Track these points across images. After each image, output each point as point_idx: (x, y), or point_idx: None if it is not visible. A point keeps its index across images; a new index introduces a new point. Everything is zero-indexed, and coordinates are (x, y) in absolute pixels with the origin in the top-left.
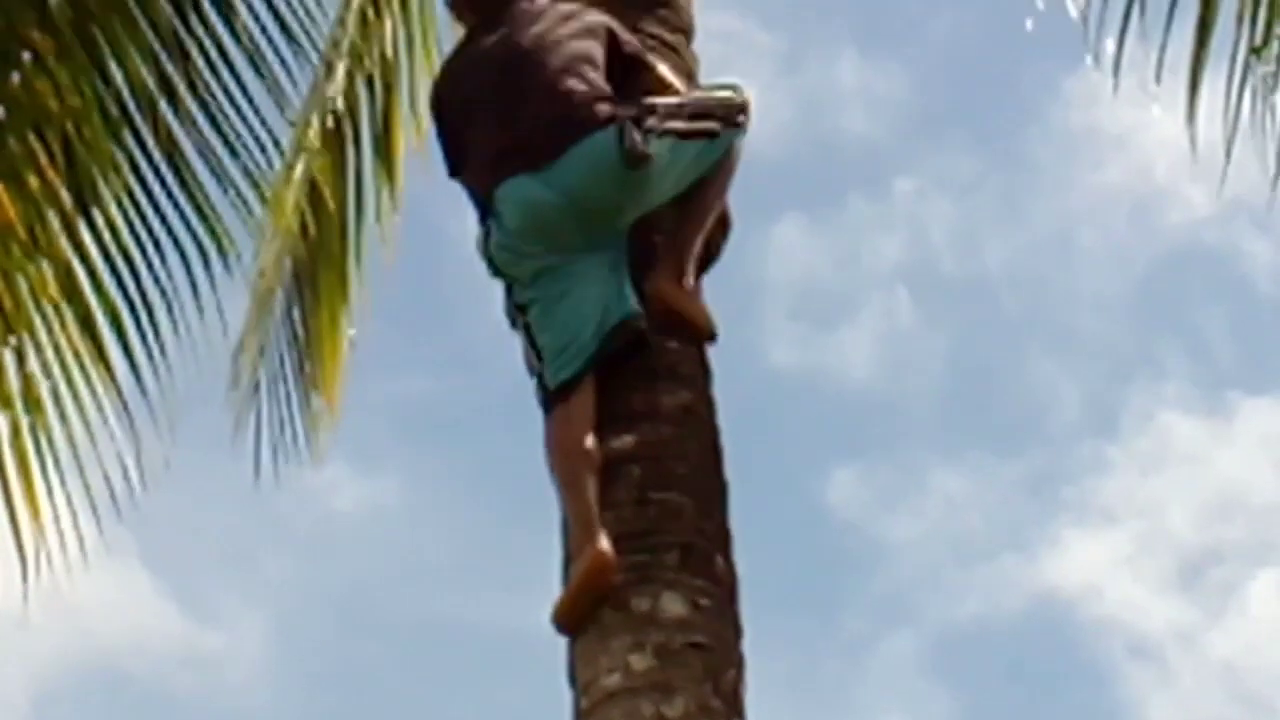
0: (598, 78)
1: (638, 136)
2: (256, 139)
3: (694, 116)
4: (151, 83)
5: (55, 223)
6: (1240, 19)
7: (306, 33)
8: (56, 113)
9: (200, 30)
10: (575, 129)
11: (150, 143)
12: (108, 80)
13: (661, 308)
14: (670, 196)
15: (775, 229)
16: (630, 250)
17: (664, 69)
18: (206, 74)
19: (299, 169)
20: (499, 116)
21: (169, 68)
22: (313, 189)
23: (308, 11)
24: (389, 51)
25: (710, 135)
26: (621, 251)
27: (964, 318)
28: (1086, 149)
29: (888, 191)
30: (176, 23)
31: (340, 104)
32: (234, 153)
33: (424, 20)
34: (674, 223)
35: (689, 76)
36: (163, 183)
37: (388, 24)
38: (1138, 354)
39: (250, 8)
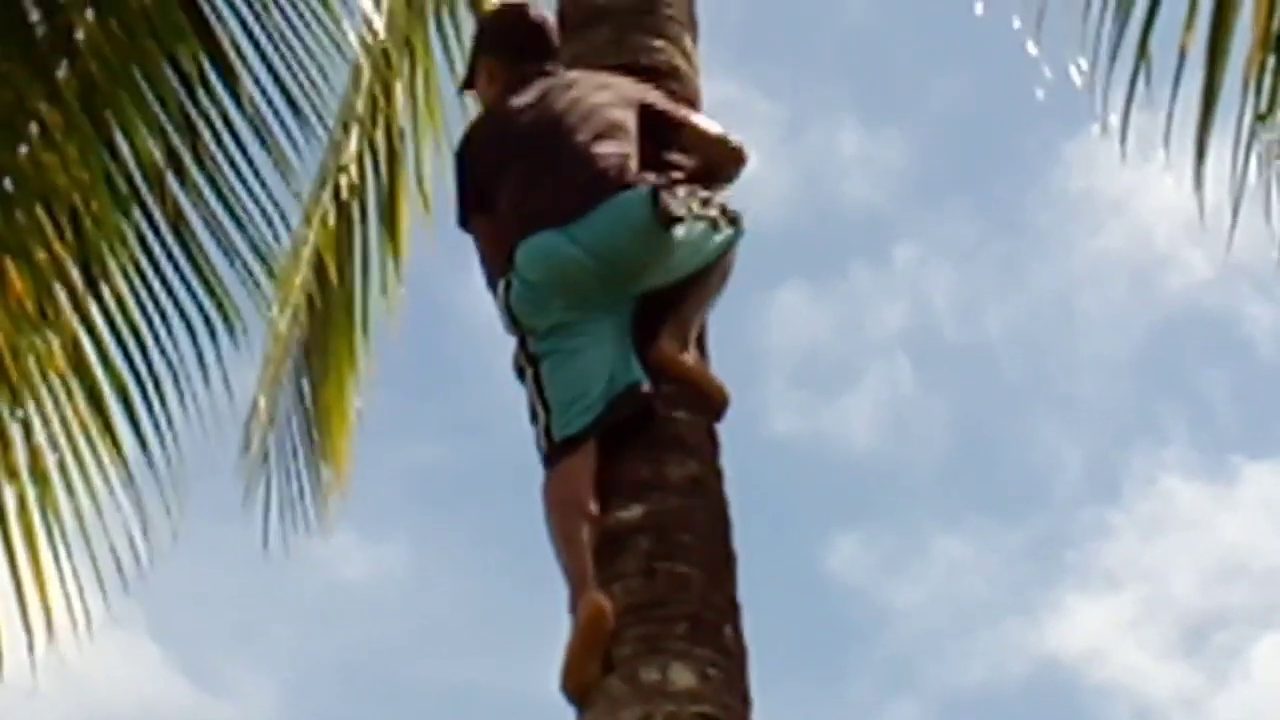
0: (630, 145)
1: (670, 199)
2: (263, 212)
3: (712, 204)
4: (159, 157)
5: (63, 296)
6: (1246, 86)
7: (313, 106)
8: (64, 186)
9: (207, 104)
10: (605, 188)
11: (157, 216)
12: (115, 154)
13: (669, 373)
14: (684, 273)
15: (777, 296)
16: (634, 324)
17: (697, 119)
18: (213, 148)
19: (306, 242)
20: (529, 175)
21: (176, 142)
22: (319, 261)
23: (314, 84)
24: (395, 125)
25: (718, 224)
26: (629, 320)
27: (965, 383)
28: (1086, 214)
29: (889, 258)
30: (184, 97)
31: (346, 177)
32: (241, 226)
33: (430, 95)
34: (675, 302)
35: None
36: (170, 256)
37: (395, 97)
38: (1139, 418)
39: (257, 81)
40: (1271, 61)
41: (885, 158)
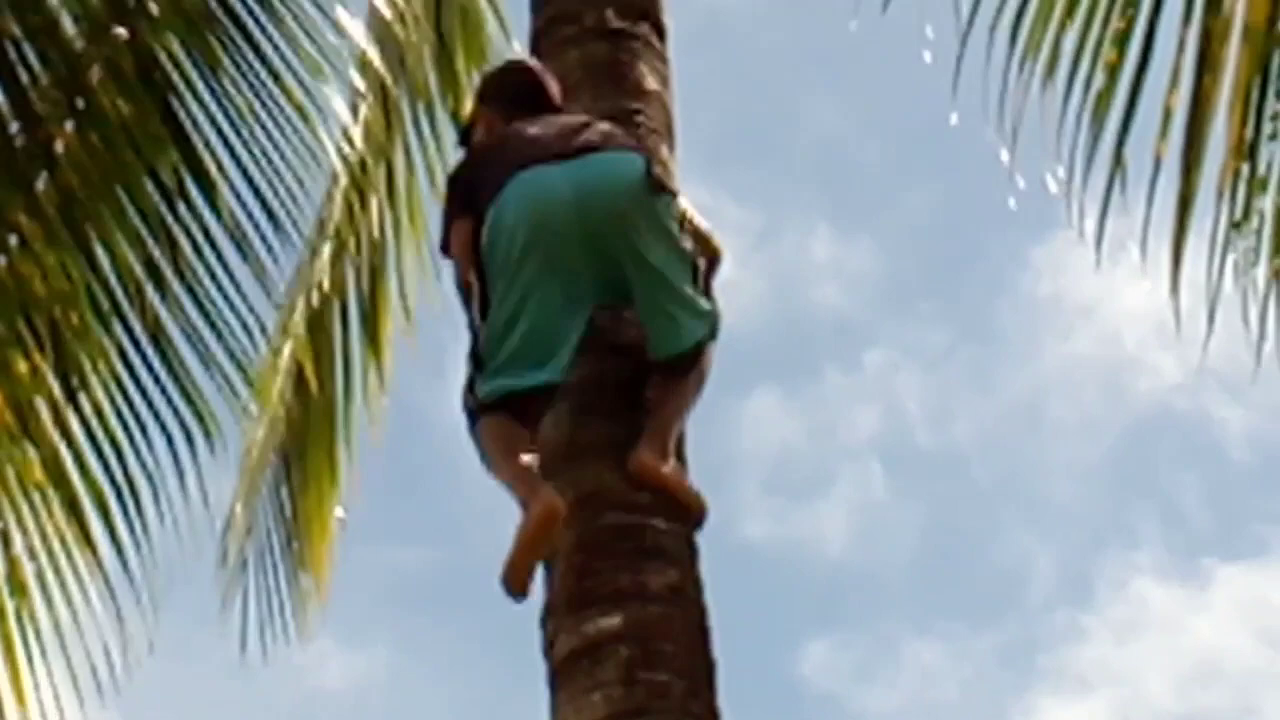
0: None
1: (663, 173)
2: (242, 322)
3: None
4: (138, 268)
5: (42, 407)
6: (1220, 194)
7: (290, 216)
8: (44, 297)
9: (186, 215)
10: (604, 143)
11: (136, 327)
12: (95, 265)
13: (649, 483)
14: (653, 259)
15: (749, 402)
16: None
17: (688, 207)
18: (193, 259)
19: (285, 351)
20: (529, 137)
21: (155, 253)
22: (298, 371)
23: (291, 195)
24: (376, 234)
25: (703, 312)
26: (577, 318)
27: (937, 489)
28: (1055, 318)
29: (860, 364)
30: (163, 208)
31: (326, 287)
32: (220, 336)
33: (411, 204)
34: (655, 408)
35: None
36: (149, 366)
37: (374, 207)
38: (1111, 522)
39: (235, 192)
40: (1245, 170)
41: (857, 263)
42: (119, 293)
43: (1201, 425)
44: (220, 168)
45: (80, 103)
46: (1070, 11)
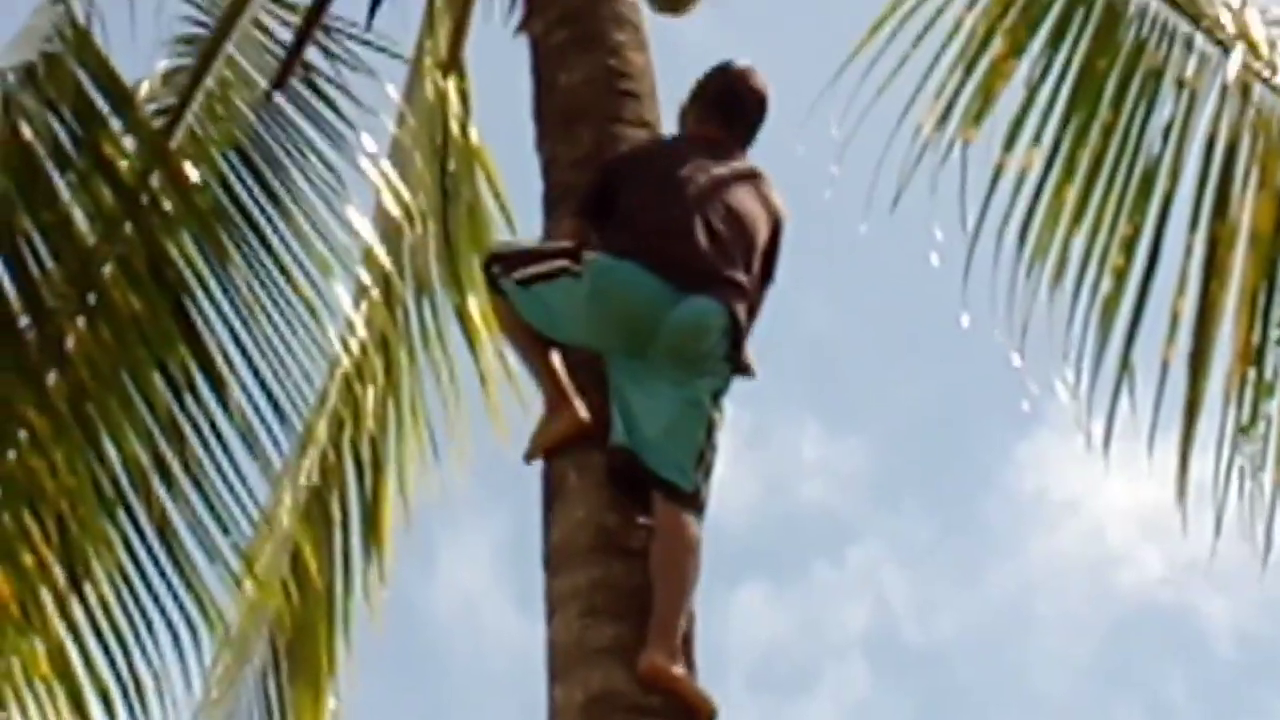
0: (756, 251)
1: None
2: (247, 515)
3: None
4: (146, 461)
5: (48, 600)
6: (1227, 398)
7: (297, 410)
8: (51, 492)
9: (195, 409)
10: (714, 284)
11: (143, 520)
12: (103, 459)
13: (659, 685)
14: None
15: (737, 595)
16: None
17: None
18: (200, 452)
19: (284, 543)
20: (669, 218)
21: (163, 446)
22: (296, 563)
23: (299, 390)
24: (376, 426)
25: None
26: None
27: (923, 685)
28: (1039, 514)
29: (848, 560)
30: (172, 402)
31: (326, 465)
32: (225, 529)
33: (414, 398)
34: (658, 603)
35: None
36: (154, 559)
37: (375, 399)
38: (1098, 717)
39: (244, 387)
40: (1252, 374)
41: (845, 461)
42: (126, 486)
43: (1187, 619)
44: (229, 362)
45: (92, 298)
46: (1078, 216)
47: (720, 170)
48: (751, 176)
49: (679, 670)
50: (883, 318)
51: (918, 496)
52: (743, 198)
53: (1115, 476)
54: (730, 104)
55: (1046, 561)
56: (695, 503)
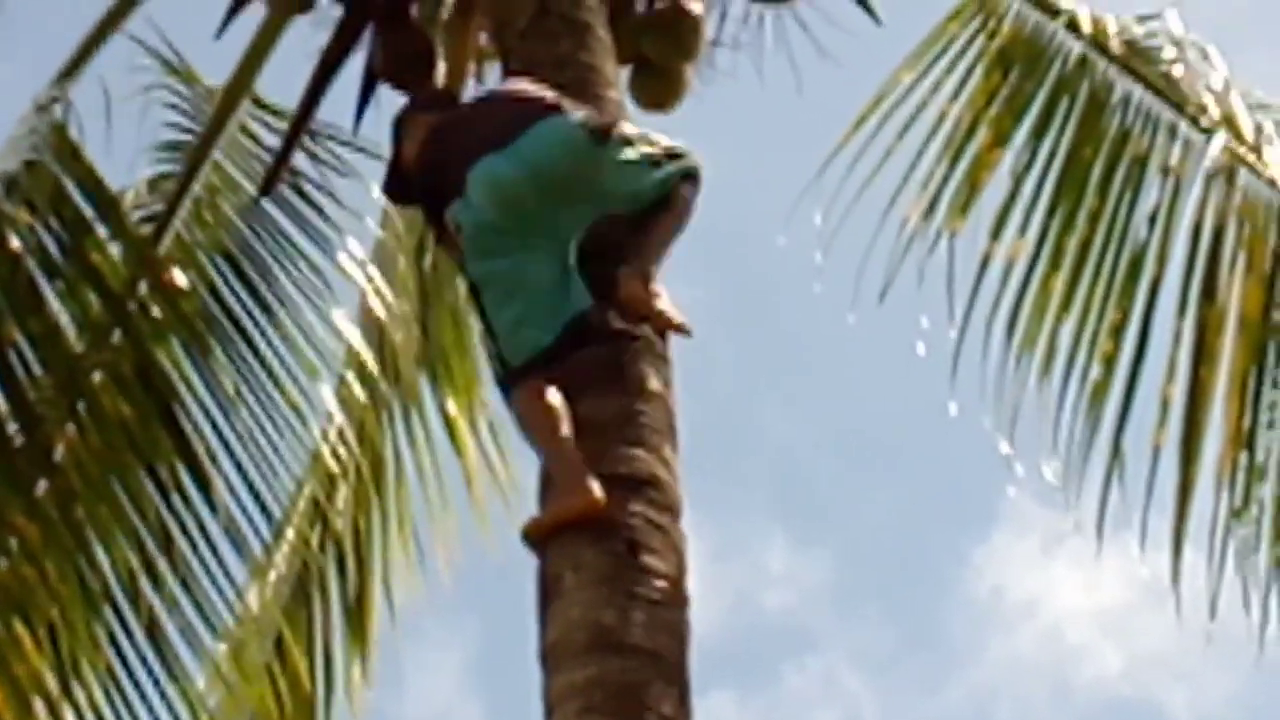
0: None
1: (600, 117)
2: (234, 614)
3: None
4: (135, 565)
5: (39, 707)
6: (1219, 483)
7: (284, 511)
8: (42, 600)
9: (184, 513)
10: (535, 114)
11: (132, 623)
12: (93, 564)
13: (634, 309)
14: (621, 204)
15: (705, 702)
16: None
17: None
18: (189, 555)
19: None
20: (473, 140)
21: (152, 550)
22: (283, 662)
23: (286, 492)
24: (361, 531)
25: (661, 160)
26: (570, 253)
27: None
28: (997, 616)
29: (814, 668)
30: (161, 507)
31: (308, 579)
32: (214, 629)
33: (399, 499)
34: (633, 243)
35: None
36: (143, 661)
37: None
38: None
39: (232, 490)
40: (1244, 458)
41: (809, 571)
42: (116, 590)
43: (1147, 711)
44: (217, 465)
45: (81, 405)
46: (1066, 304)
47: (482, 97)
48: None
49: (651, 292)
50: (845, 428)
51: (879, 604)
52: (499, 89)
53: (1072, 574)
54: (418, 103)
55: (1007, 663)
56: (686, 174)
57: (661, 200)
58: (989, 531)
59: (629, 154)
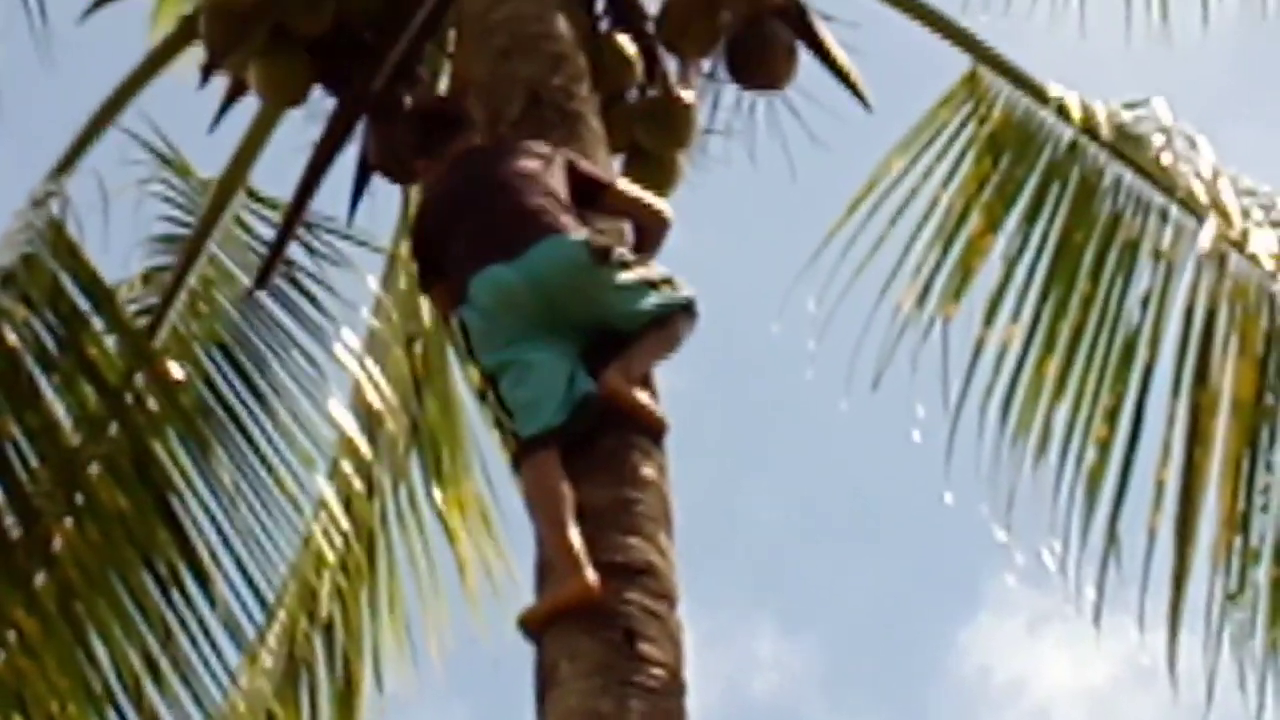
0: (562, 196)
1: (600, 239)
2: (227, 698)
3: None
4: (136, 661)
5: None
6: (1215, 566)
7: (278, 598)
8: (42, 694)
9: (182, 606)
10: (541, 231)
11: (131, 715)
12: (93, 659)
13: (616, 403)
14: (618, 322)
15: None
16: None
17: (625, 184)
18: (188, 649)
19: None
20: (475, 229)
21: (151, 644)
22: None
23: (284, 582)
24: (352, 618)
25: (660, 285)
26: (578, 352)
27: None
28: (984, 697)
29: None
30: (160, 600)
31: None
32: (208, 716)
33: (392, 586)
34: (624, 348)
35: None
36: None
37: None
38: None
39: (229, 582)
40: (1238, 542)
41: (797, 657)
42: (115, 685)
43: None
44: (215, 558)
45: (78, 498)
46: (1060, 388)
47: (484, 169)
48: (517, 151)
49: (635, 391)
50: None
51: (868, 687)
52: (512, 171)
53: (1059, 654)
54: (431, 132)
55: None
56: (683, 307)
57: (656, 322)
58: (975, 613)
59: (627, 277)
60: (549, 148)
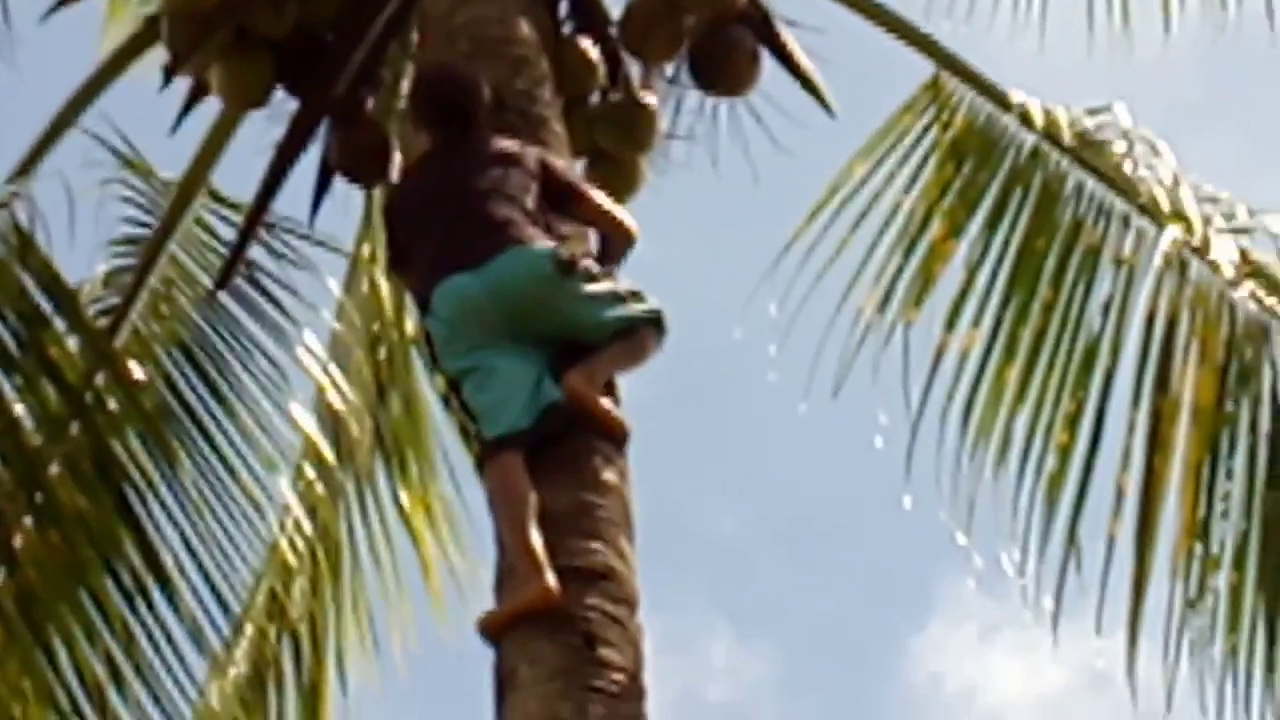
0: (530, 206)
1: (565, 252)
2: (190, 703)
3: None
4: (98, 664)
5: None
6: (1174, 573)
7: (239, 599)
8: (3, 695)
9: (143, 607)
10: (505, 242)
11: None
12: (55, 663)
13: (576, 406)
14: (584, 334)
15: None
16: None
17: (596, 195)
18: (148, 649)
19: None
20: (442, 234)
21: (111, 644)
22: None
23: (242, 581)
24: (316, 620)
25: (624, 299)
26: (543, 359)
27: None
28: (935, 705)
29: None
30: (121, 603)
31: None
32: None
33: (355, 586)
34: (585, 356)
35: None
36: None
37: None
38: None
39: (191, 586)
40: (1199, 548)
41: (752, 665)
42: (77, 689)
43: None
44: (177, 560)
45: (39, 498)
46: (1021, 394)
47: (460, 173)
48: (490, 156)
49: (595, 392)
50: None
51: (821, 695)
52: (483, 178)
53: (1011, 662)
54: (436, 106)
55: None
56: (650, 320)
57: (621, 332)
58: (926, 621)
59: (593, 288)
60: (523, 146)
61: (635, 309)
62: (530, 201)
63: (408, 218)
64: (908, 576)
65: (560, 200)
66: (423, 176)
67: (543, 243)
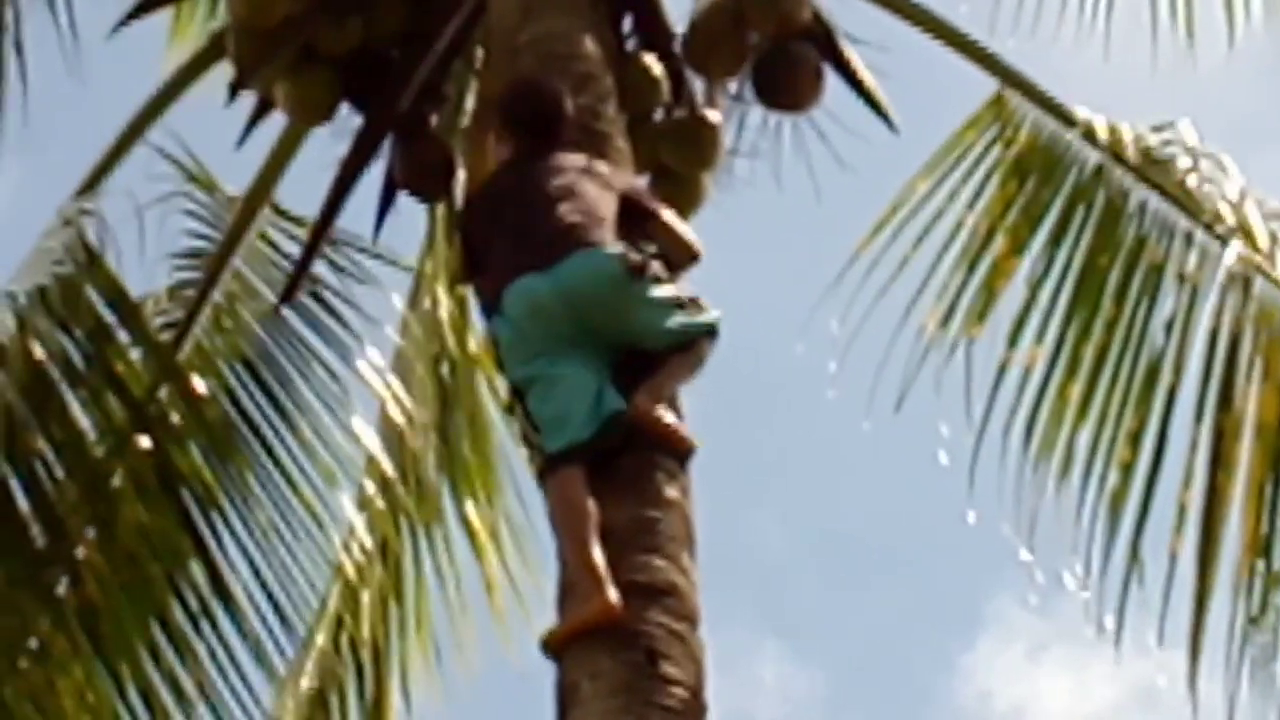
0: (602, 214)
1: (633, 255)
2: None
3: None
4: (157, 677)
5: None
6: (1236, 590)
7: (300, 615)
8: (68, 709)
9: (203, 620)
10: (575, 244)
11: None
12: (118, 678)
13: (644, 426)
14: (646, 339)
15: None
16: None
17: (669, 215)
18: (209, 663)
19: None
20: (516, 241)
21: (173, 658)
22: None
23: (306, 601)
24: (380, 633)
25: (685, 306)
26: (605, 367)
27: None
28: None
29: None
30: (183, 618)
31: (326, 685)
32: None
33: (419, 605)
34: (648, 374)
35: None
36: None
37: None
38: None
39: (249, 595)
40: (1261, 565)
41: (799, 681)
42: (137, 701)
43: None
44: (235, 572)
45: (103, 510)
46: (1083, 411)
47: (537, 180)
48: (555, 168)
49: (663, 414)
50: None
51: (869, 713)
52: (559, 185)
53: (1059, 680)
54: (520, 116)
55: None
56: (709, 331)
57: (681, 344)
58: (975, 639)
59: (658, 293)
60: (603, 167)
61: (695, 319)
62: (605, 211)
63: (485, 222)
64: (958, 594)
65: (635, 217)
66: (502, 183)
67: (613, 246)
